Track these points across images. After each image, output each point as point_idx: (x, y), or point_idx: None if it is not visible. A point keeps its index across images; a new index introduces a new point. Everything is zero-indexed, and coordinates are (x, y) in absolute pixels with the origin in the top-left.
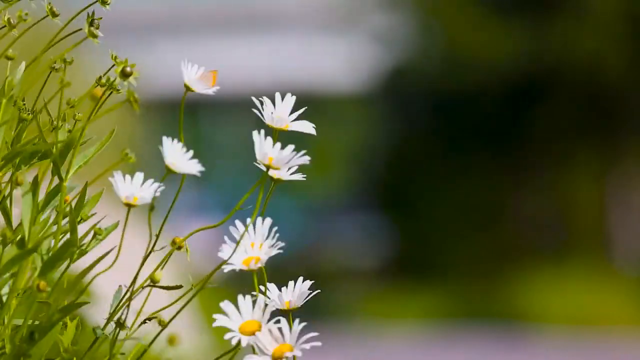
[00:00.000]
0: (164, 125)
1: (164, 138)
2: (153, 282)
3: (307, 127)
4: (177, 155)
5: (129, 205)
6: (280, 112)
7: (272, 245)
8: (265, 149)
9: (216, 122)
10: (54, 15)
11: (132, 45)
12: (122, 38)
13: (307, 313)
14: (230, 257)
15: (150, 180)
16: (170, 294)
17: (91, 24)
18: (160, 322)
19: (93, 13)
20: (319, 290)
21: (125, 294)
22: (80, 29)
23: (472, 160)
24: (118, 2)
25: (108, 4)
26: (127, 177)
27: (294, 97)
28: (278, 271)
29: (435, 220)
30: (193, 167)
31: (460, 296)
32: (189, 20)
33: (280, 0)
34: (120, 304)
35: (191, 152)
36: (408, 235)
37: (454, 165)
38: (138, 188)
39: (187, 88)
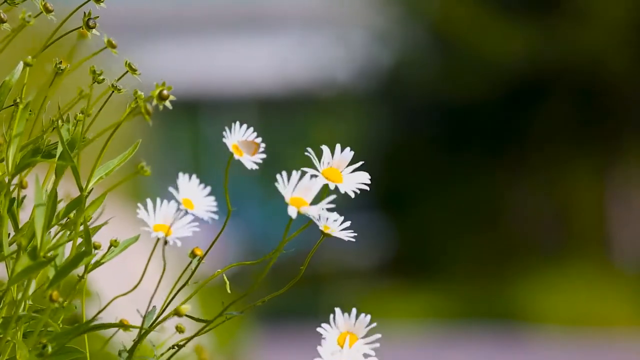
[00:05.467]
0: (165, 124)
1: (180, 174)
2: (178, 315)
3: (363, 178)
4: (193, 192)
5: (163, 240)
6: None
7: (370, 344)
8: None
9: (216, 122)
10: (48, 11)
11: (132, 44)
12: (122, 37)
13: (307, 313)
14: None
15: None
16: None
17: (87, 23)
18: (178, 329)
19: (90, 12)
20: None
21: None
22: (77, 28)
23: (472, 160)
24: (119, 1)
25: (102, 2)
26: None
27: (352, 153)
28: (278, 271)
29: (435, 220)
30: (208, 206)
31: (460, 296)
32: (190, 20)
33: (280, 1)
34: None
35: (208, 189)
36: (407, 235)
37: (454, 165)
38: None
39: (236, 150)
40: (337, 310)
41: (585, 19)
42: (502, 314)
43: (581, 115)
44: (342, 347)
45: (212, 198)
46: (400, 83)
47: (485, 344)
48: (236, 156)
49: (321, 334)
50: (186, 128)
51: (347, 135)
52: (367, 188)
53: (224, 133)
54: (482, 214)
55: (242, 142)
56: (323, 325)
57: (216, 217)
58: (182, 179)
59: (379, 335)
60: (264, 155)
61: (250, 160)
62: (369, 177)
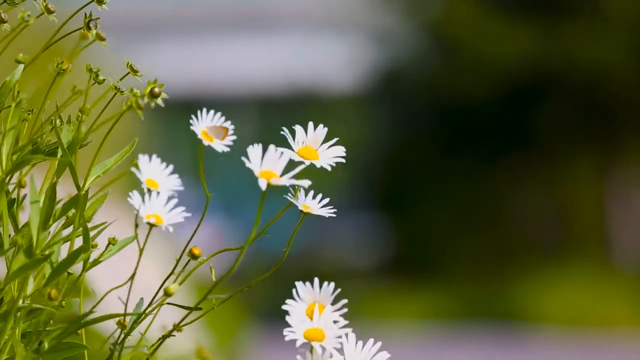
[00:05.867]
0: (165, 124)
1: (140, 156)
2: (167, 295)
3: (338, 152)
4: (156, 172)
5: (152, 225)
6: (310, 142)
7: (337, 311)
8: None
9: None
10: (49, 12)
11: (132, 44)
12: (122, 37)
13: None
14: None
15: (174, 201)
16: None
17: (88, 24)
18: (174, 327)
19: (91, 13)
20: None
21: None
22: (80, 28)
23: (472, 160)
24: (119, 2)
25: (104, 3)
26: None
27: (326, 129)
28: (278, 271)
29: (435, 220)
30: (173, 182)
31: (460, 296)
32: (190, 20)
33: (281, 1)
34: (137, 319)
35: (170, 167)
36: (407, 235)
37: (454, 165)
38: (160, 207)
39: (205, 136)
40: (299, 283)
41: (586, 20)
42: (502, 314)
43: (581, 115)
44: (311, 318)
45: (176, 176)
46: (401, 83)
47: (485, 344)
48: (206, 142)
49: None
50: (186, 128)
51: (348, 136)
52: (343, 160)
53: (190, 121)
54: (482, 214)
55: (210, 127)
56: (288, 301)
57: (181, 188)
58: (142, 159)
59: (345, 301)
60: (234, 137)
61: (221, 144)
62: (345, 154)
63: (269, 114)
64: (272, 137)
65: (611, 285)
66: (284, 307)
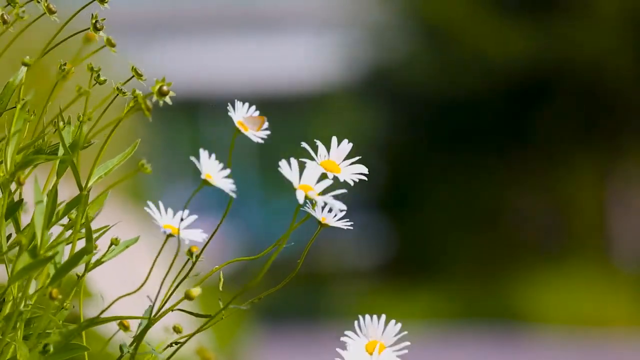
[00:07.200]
0: (165, 124)
1: (201, 150)
2: (189, 299)
3: (361, 169)
4: (214, 170)
5: (170, 235)
6: (334, 157)
7: (398, 350)
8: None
9: (216, 122)
10: (51, 12)
11: (132, 44)
12: (123, 37)
13: (307, 313)
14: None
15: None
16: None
17: (95, 25)
18: (175, 329)
19: (96, 14)
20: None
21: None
22: (84, 30)
23: (472, 160)
24: (121, 1)
25: (106, 2)
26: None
27: (351, 144)
28: (277, 271)
29: (435, 220)
30: (227, 185)
31: (460, 296)
32: (190, 20)
33: (281, 1)
34: (147, 324)
35: (228, 171)
36: (407, 235)
37: (454, 165)
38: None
39: (241, 126)
40: (363, 317)
41: (586, 18)
42: (502, 314)
43: (581, 115)
44: (370, 354)
45: (231, 181)
46: (401, 83)
47: (485, 344)
48: (242, 131)
49: (323, 332)
50: (186, 128)
51: (348, 136)
52: (366, 178)
53: (228, 108)
54: (482, 214)
55: (247, 118)
56: (347, 332)
57: (234, 195)
58: (204, 154)
59: (408, 343)
60: (268, 132)
61: (256, 136)
62: (367, 172)
63: (269, 114)
64: (273, 138)
65: (611, 285)
66: (342, 338)
